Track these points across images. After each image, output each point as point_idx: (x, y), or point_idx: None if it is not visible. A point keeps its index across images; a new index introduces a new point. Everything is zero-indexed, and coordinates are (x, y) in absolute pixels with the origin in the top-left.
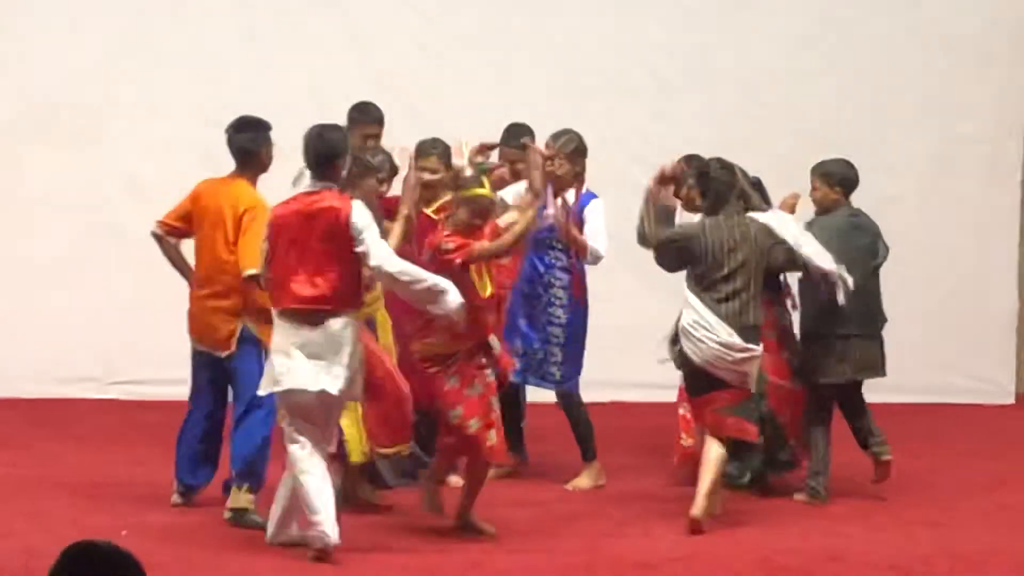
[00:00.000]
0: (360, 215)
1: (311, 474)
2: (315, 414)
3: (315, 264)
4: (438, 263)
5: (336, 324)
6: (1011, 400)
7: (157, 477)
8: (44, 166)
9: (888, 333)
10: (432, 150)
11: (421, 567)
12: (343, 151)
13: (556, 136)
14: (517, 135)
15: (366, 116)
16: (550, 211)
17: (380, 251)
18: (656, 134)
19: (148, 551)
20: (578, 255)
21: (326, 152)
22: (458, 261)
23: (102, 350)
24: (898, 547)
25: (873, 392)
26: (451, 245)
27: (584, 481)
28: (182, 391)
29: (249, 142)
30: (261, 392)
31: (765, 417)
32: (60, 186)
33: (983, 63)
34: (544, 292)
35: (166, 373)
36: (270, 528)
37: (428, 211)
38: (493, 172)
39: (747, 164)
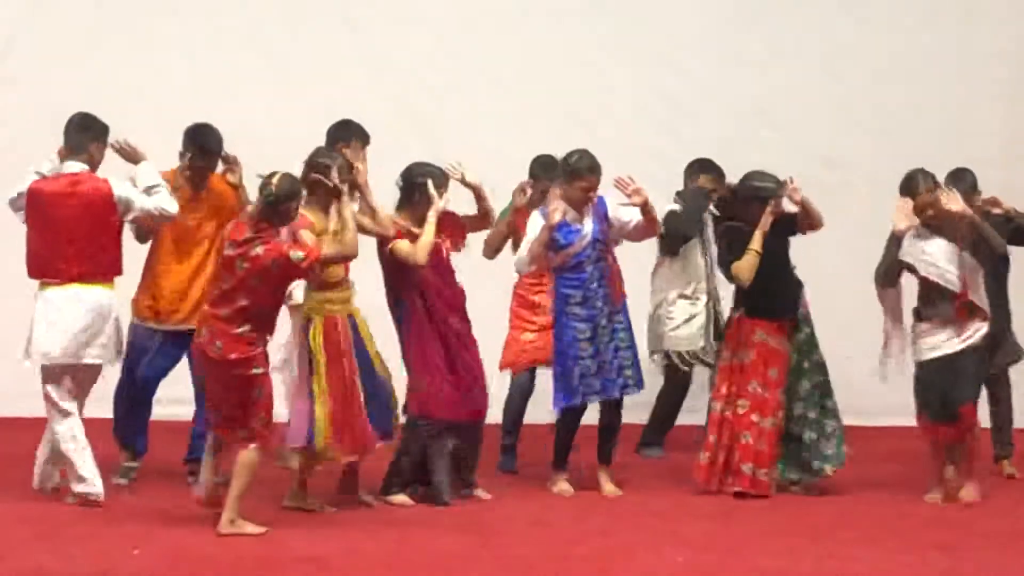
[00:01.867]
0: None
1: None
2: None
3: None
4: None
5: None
6: None
7: None
8: None
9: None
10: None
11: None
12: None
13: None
14: (545, 166)
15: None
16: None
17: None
18: (668, 155)
19: None
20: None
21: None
22: (304, 267)
23: None
24: (914, 571)
25: (891, 415)
26: (300, 254)
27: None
28: None
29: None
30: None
31: None
32: None
33: (995, 87)
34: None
35: None
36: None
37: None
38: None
39: None
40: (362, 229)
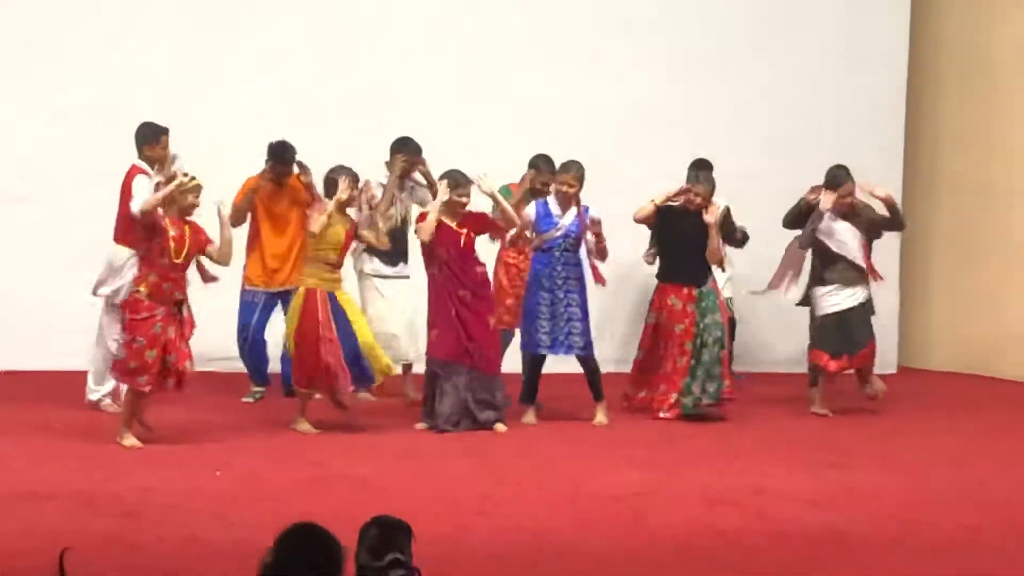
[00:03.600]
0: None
1: None
2: None
3: None
4: None
5: None
6: (894, 370)
7: None
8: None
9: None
10: (468, 182)
11: (434, 496)
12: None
13: (570, 165)
14: (546, 160)
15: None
16: (564, 222)
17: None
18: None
19: None
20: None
21: None
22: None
23: None
24: (808, 483)
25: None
26: None
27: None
28: None
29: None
30: None
31: None
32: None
33: (868, 121)
34: (563, 283)
35: None
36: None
37: (451, 223)
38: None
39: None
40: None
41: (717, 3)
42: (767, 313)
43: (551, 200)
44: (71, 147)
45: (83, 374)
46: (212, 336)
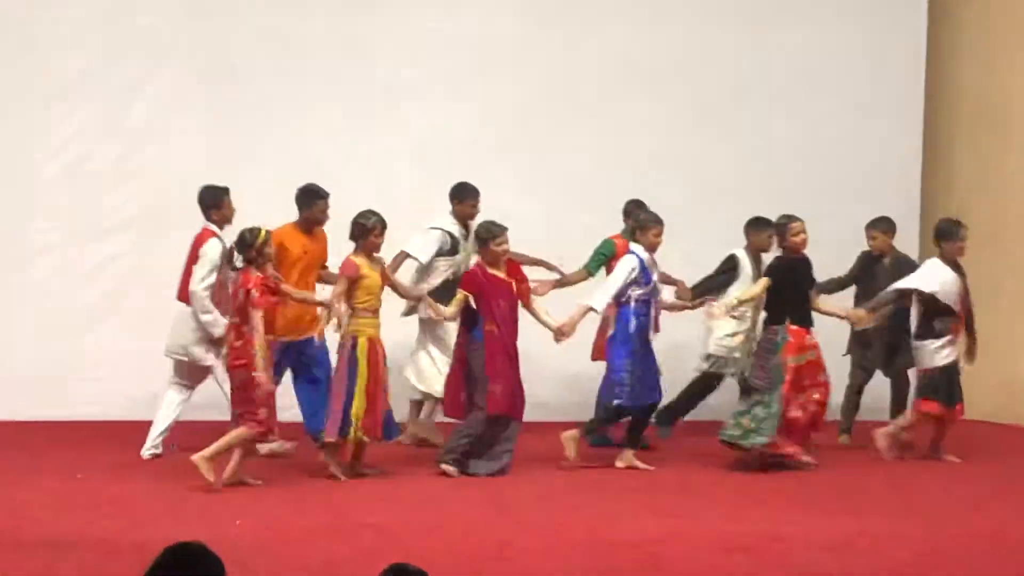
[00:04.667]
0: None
1: None
2: None
3: None
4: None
5: None
6: None
7: None
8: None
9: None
10: (503, 229)
11: (451, 543)
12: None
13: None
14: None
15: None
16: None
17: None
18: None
19: None
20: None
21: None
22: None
23: None
24: (825, 530)
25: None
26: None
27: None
28: None
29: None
30: None
31: None
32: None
33: (886, 168)
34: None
35: None
36: None
37: (500, 273)
38: None
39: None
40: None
41: (733, 53)
42: None
43: (640, 250)
44: (88, 198)
45: (100, 423)
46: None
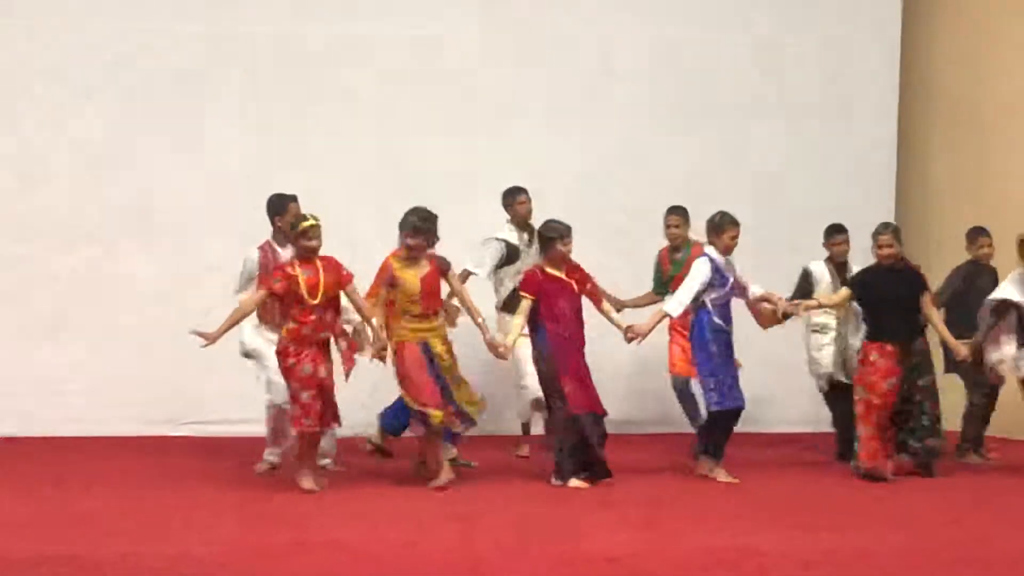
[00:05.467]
0: None
1: None
2: None
3: None
4: None
5: None
6: None
7: None
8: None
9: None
10: (568, 229)
11: (425, 561)
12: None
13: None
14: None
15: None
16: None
17: None
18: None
19: None
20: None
21: None
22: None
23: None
24: (806, 544)
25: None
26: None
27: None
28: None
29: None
30: None
31: None
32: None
33: (859, 171)
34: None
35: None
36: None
37: (560, 273)
38: None
39: None
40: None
41: (700, 52)
42: (770, 373)
43: (714, 252)
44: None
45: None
46: (194, 397)
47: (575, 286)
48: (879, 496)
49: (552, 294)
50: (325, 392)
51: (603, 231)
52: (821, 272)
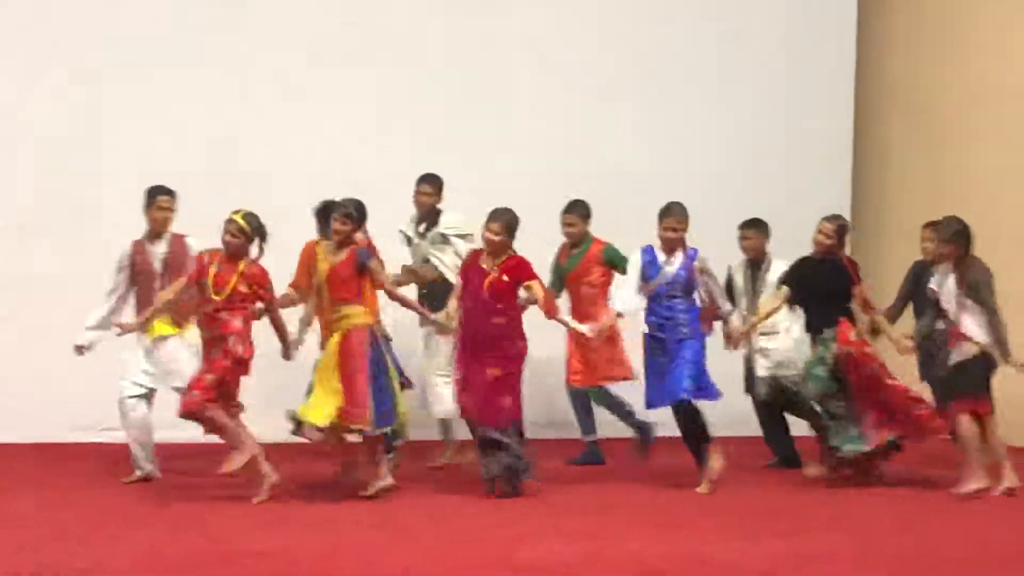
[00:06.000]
0: None
1: None
2: None
3: None
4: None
5: None
6: None
7: None
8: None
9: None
10: (493, 216)
11: (349, 571)
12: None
13: (673, 207)
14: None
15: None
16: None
17: None
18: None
19: None
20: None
21: None
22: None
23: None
24: (753, 552)
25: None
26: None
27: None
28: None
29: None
30: None
31: None
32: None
33: (814, 162)
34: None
35: None
36: None
37: (485, 262)
38: None
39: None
40: None
41: (647, 38)
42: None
43: (656, 246)
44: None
45: None
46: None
47: (494, 279)
48: (831, 501)
49: (468, 282)
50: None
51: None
52: (735, 271)
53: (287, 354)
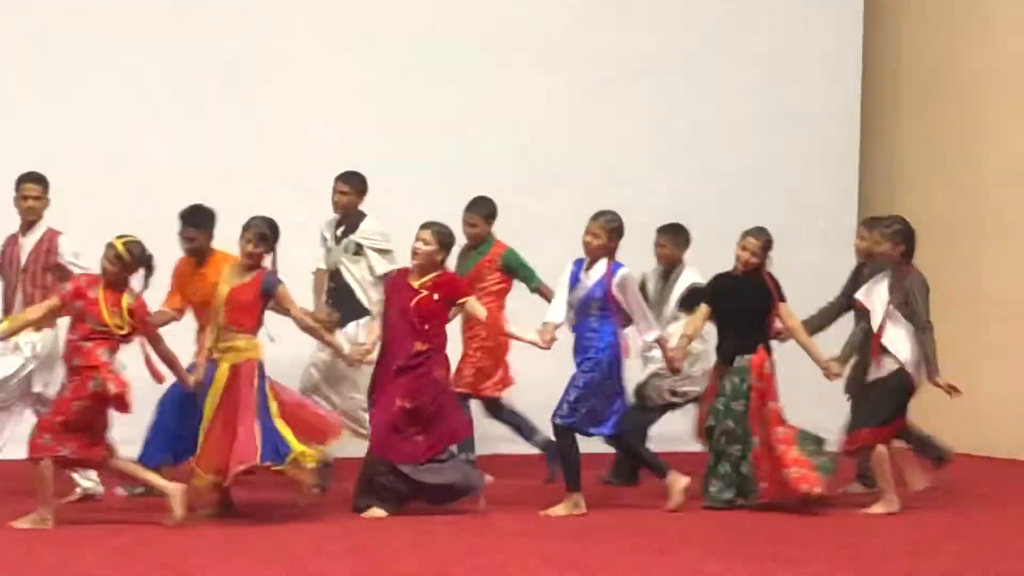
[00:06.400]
0: None
1: None
2: None
3: None
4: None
5: None
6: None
7: None
8: None
9: None
10: (424, 227)
11: None
12: None
13: (600, 215)
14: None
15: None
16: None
17: None
18: None
19: None
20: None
21: None
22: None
23: None
24: None
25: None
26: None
27: (559, 509)
28: None
29: None
30: None
31: None
32: None
33: (819, 151)
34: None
35: None
36: None
37: (413, 281)
38: None
39: None
40: None
41: (640, 17)
42: None
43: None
44: None
45: None
46: None
47: (422, 298)
48: (832, 525)
49: (392, 301)
50: None
51: (511, 220)
52: (648, 278)
53: (186, 387)
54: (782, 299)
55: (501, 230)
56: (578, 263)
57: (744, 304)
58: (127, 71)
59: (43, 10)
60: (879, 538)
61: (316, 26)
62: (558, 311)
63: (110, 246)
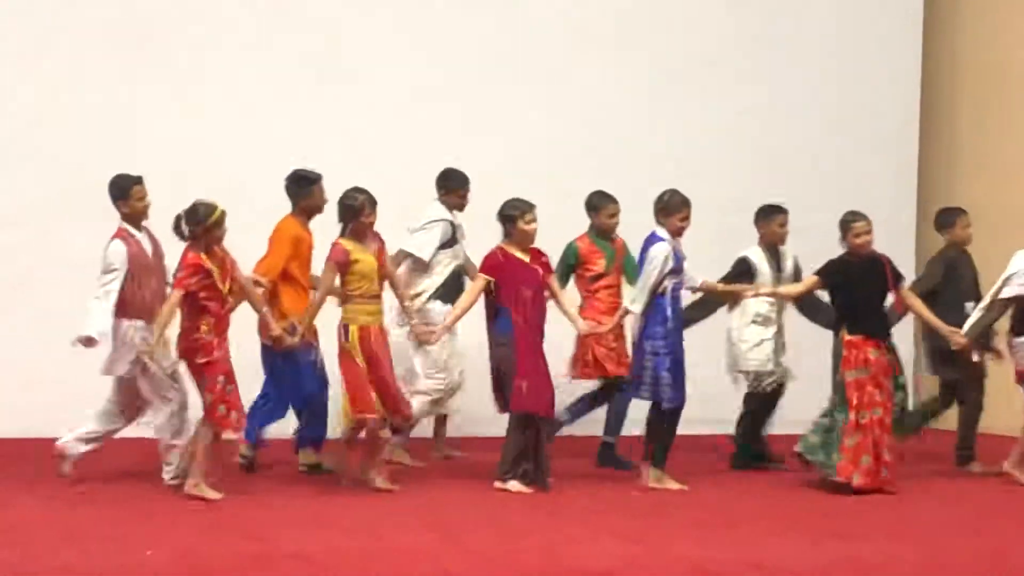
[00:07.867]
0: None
1: None
2: None
3: None
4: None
5: None
6: None
7: None
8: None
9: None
10: (533, 207)
11: (386, 573)
12: None
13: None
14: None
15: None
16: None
17: None
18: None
19: None
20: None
21: None
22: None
23: None
24: (810, 555)
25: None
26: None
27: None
28: None
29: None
30: None
31: None
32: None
33: (878, 143)
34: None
35: None
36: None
37: (524, 256)
38: None
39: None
40: None
41: (700, 16)
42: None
43: (666, 235)
44: None
45: None
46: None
47: (540, 272)
48: (887, 502)
49: (514, 278)
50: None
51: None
52: (759, 260)
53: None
54: (901, 277)
55: (573, 224)
56: (660, 239)
57: (877, 285)
58: (224, 70)
59: (144, 8)
60: (938, 514)
61: (399, 27)
62: (643, 301)
63: (224, 213)
